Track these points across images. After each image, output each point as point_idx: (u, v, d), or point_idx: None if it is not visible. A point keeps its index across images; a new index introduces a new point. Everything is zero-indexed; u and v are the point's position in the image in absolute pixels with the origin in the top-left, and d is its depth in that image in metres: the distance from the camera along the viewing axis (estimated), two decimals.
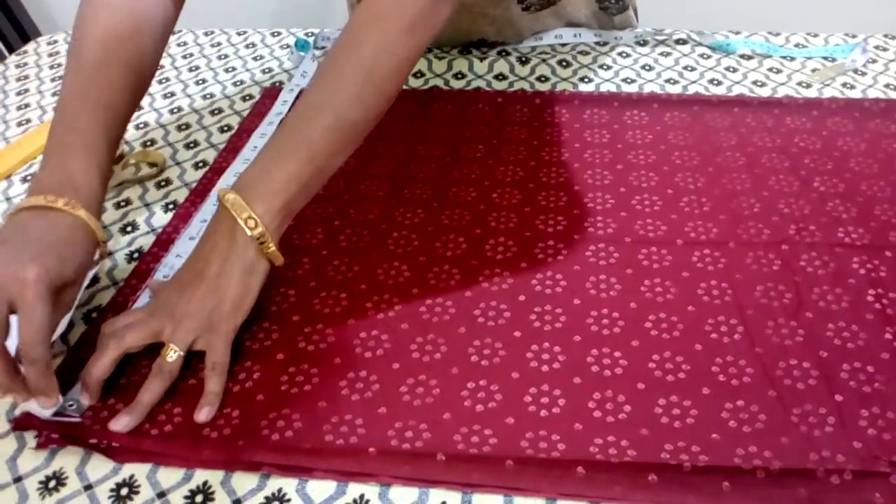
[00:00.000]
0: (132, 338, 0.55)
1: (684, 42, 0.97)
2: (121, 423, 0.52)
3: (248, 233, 0.55)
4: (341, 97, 0.59)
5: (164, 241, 0.70)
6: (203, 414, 0.53)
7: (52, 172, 0.58)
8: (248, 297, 0.56)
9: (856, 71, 0.90)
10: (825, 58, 0.93)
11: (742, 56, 0.94)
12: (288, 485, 0.50)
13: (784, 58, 0.94)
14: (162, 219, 0.73)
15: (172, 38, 1.06)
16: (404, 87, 0.90)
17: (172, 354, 0.54)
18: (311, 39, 1.00)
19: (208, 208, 0.72)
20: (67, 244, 0.55)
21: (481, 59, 0.97)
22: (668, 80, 0.91)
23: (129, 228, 0.73)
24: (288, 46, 1.03)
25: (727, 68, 0.92)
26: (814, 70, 0.91)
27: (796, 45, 0.96)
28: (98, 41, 0.65)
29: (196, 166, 0.81)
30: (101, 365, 0.54)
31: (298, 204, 0.59)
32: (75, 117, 0.61)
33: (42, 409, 0.53)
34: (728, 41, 0.96)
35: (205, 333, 0.55)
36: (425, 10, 0.61)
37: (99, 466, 0.52)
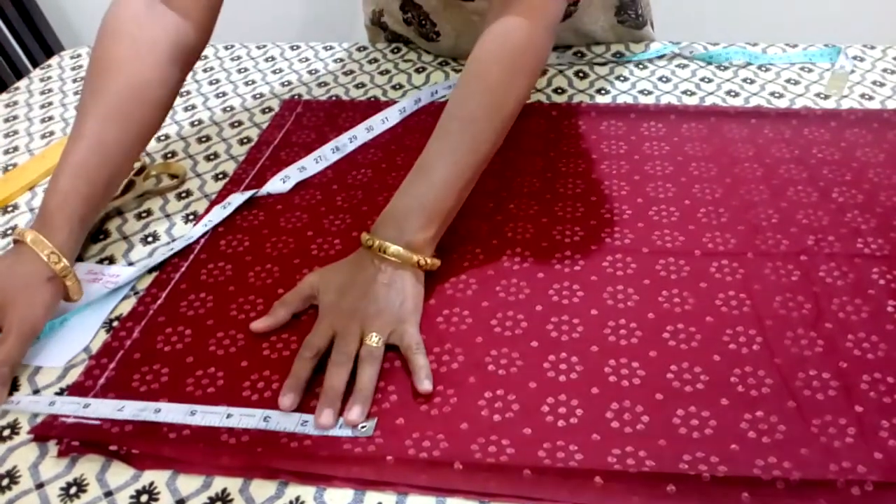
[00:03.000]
0: (319, 340, 0.58)
1: (662, 56, 0.98)
2: (354, 413, 0.54)
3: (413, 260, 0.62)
4: (477, 135, 0.66)
5: (185, 251, 0.70)
6: (426, 385, 0.55)
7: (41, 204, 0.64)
8: (420, 298, 0.63)
9: (874, 82, 0.90)
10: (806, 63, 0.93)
11: (759, 67, 0.94)
12: (306, 493, 0.50)
13: (802, 66, 0.93)
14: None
15: None
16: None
17: (377, 339, 0.58)
18: None
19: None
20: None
21: None
22: (684, 92, 0.91)
23: (150, 239, 0.73)
24: (307, 60, 1.04)
25: (744, 80, 0.92)
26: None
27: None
28: (95, 72, 0.69)
29: (216, 178, 0.82)
30: (304, 370, 0.57)
31: (444, 228, 0.65)
32: (68, 150, 0.66)
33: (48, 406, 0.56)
34: (710, 53, 0.97)
35: (398, 325, 0.59)
36: (543, 56, 0.72)
37: (119, 473, 0.52)
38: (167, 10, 0.71)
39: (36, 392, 0.58)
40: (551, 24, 0.71)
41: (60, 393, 0.58)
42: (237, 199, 0.75)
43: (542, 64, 0.72)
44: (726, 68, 0.95)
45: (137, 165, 0.82)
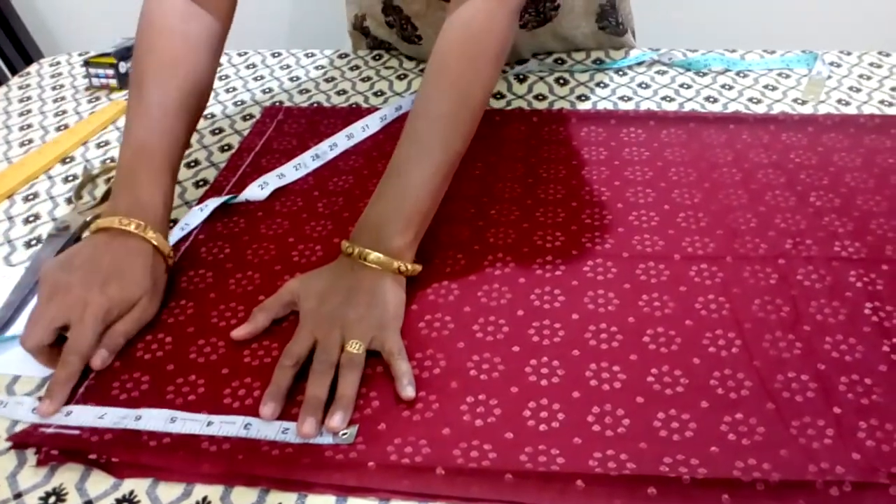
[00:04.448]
0: (299, 348, 0.58)
1: (641, 63, 0.99)
2: (335, 420, 0.53)
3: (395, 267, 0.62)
4: (446, 132, 0.66)
5: None
6: (408, 391, 0.55)
7: (123, 198, 0.66)
8: (402, 304, 0.63)
9: (851, 87, 0.91)
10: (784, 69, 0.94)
11: (738, 73, 0.95)
12: (287, 500, 0.50)
13: (780, 72, 0.95)
14: None
15: None
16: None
17: (358, 346, 0.58)
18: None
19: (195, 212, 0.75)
20: (135, 267, 0.62)
21: None
22: (664, 98, 0.92)
23: None
24: (288, 67, 1.04)
25: (723, 86, 0.93)
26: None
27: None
28: (155, 70, 0.70)
29: (197, 185, 0.81)
30: (285, 378, 0.56)
31: (423, 231, 0.65)
32: (140, 145, 0.68)
33: (31, 413, 0.56)
34: (689, 59, 0.98)
35: (379, 332, 0.59)
36: (505, 41, 0.69)
37: (99, 482, 0.52)
38: (200, 4, 0.73)
39: None
40: (515, 8, 0.70)
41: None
42: (213, 202, 0.75)
43: (507, 49, 0.70)
44: (705, 74, 0.96)
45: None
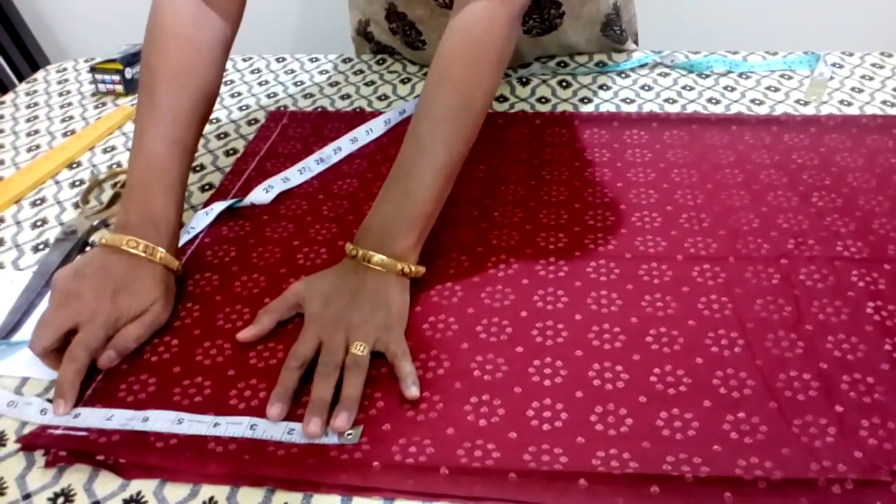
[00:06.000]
0: (305, 350, 0.58)
1: (645, 65, 0.99)
2: (340, 420, 0.54)
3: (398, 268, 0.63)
4: (449, 135, 0.66)
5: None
6: (413, 391, 0.56)
7: (135, 209, 0.66)
8: (406, 306, 0.63)
9: (853, 88, 0.92)
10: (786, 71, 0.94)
11: (740, 75, 0.96)
12: (293, 499, 0.50)
13: (782, 73, 0.95)
14: None
15: None
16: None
17: (362, 348, 0.58)
18: None
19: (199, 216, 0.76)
20: (145, 279, 0.63)
21: None
22: (666, 100, 0.92)
23: None
24: (292, 71, 1.05)
25: (725, 87, 0.94)
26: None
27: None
28: (167, 77, 0.70)
29: (202, 189, 0.82)
30: (291, 380, 0.57)
31: (426, 233, 0.66)
32: (152, 154, 0.68)
33: (39, 414, 0.56)
34: (691, 61, 0.98)
35: (383, 333, 0.60)
36: (507, 44, 0.70)
37: (107, 483, 0.52)
38: (211, 7, 0.73)
39: None
40: (517, 11, 0.70)
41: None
42: (219, 206, 0.76)
43: (508, 53, 0.70)
44: (707, 76, 0.96)
45: (123, 178, 0.83)
